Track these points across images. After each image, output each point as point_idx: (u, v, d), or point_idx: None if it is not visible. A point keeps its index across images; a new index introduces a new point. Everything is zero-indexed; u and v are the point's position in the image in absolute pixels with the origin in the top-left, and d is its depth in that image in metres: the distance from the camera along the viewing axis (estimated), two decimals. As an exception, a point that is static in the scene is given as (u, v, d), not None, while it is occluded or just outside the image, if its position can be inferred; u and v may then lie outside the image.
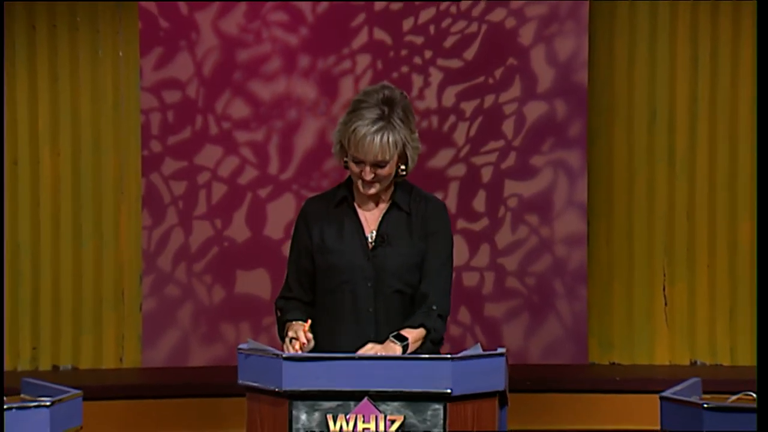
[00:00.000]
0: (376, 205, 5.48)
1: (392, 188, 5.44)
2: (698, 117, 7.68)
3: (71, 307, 7.70)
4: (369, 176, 5.32)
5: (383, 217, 5.49)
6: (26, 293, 7.63)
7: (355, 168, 5.33)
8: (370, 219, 5.50)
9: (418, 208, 5.51)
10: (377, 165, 5.30)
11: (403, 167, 5.37)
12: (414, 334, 5.39)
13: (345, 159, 5.34)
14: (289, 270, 5.57)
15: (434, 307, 5.51)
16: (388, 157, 5.30)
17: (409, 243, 5.49)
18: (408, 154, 5.36)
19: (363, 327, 5.44)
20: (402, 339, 5.33)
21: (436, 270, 5.53)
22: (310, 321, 5.36)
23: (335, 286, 5.45)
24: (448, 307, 5.56)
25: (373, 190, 5.37)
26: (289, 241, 5.64)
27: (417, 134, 5.38)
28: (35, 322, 7.65)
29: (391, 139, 5.29)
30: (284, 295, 5.56)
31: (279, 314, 5.50)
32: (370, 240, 5.48)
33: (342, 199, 5.49)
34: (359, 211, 5.49)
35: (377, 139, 5.27)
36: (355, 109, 5.32)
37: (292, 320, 5.42)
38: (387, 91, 5.36)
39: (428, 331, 5.45)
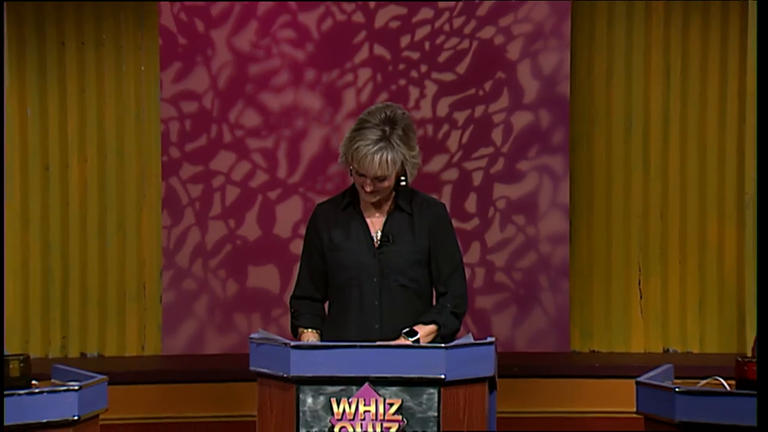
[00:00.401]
0: (380, 208, 5.51)
1: (394, 193, 5.47)
2: (670, 126, 7.68)
3: (97, 299, 7.71)
4: (369, 188, 5.36)
5: (387, 219, 5.52)
6: (56, 287, 7.63)
7: (358, 179, 5.37)
8: (375, 220, 5.53)
9: (421, 209, 5.54)
10: (377, 179, 5.34)
11: (402, 179, 5.40)
12: (425, 330, 5.43)
13: (350, 169, 5.38)
14: (301, 269, 5.60)
15: (448, 305, 5.54)
16: (387, 173, 5.34)
17: (412, 241, 5.52)
18: (407, 169, 5.39)
19: (368, 319, 5.47)
20: (413, 334, 5.37)
21: (451, 271, 5.57)
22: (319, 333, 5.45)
23: (344, 282, 5.48)
24: (464, 304, 5.58)
25: (373, 199, 5.42)
26: (297, 240, 5.66)
27: (417, 150, 5.40)
28: (64, 314, 7.66)
29: (389, 158, 5.32)
30: (296, 294, 5.60)
31: (293, 313, 5.53)
32: (375, 239, 5.50)
33: (348, 203, 5.52)
34: (365, 214, 5.51)
35: (377, 158, 5.31)
36: (360, 128, 5.35)
37: (304, 326, 5.47)
38: (389, 111, 5.38)
39: (439, 327, 5.48)
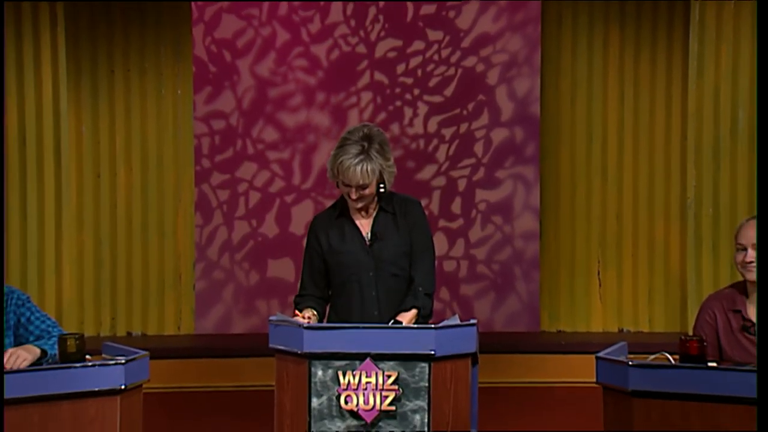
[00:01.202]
0: (367, 212, 5.51)
1: (377, 198, 5.48)
2: (624, 141, 7.70)
3: (140, 287, 7.72)
4: (355, 196, 5.37)
5: (374, 220, 5.52)
6: (106, 276, 7.65)
7: (344, 189, 5.38)
8: (364, 223, 5.52)
9: (400, 208, 5.55)
10: (360, 187, 5.35)
11: (382, 185, 5.42)
12: (408, 317, 5.43)
13: (337, 181, 5.40)
14: (303, 272, 5.58)
15: (420, 288, 5.55)
16: (368, 182, 5.35)
17: (397, 236, 5.52)
18: (385, 177, 5.41)
19: (368, 307, 5.47)
20: (398, 323, 5.38)
21: (420, 257, 5.56)
22: (315, 315, 5.44)
23: (345, 279, 5.47)
24: (433, 285, 5.58)
25: (359, 205, 5.42)
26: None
27: (392, 161, 5.41)
28: (113, 299, 7.67)
29: (369, 168, 5.33)
30: (300, 293, 5.58)
31: (296, 306, 5.53)
32: (367, 239, 5.51)
33: (340, 212, 5.53)
34: (354, 219, 5.52)
35: (359, 169, 5.32)
36: (342, 145, 5.37)
37: (303, 308, 5.47)
38: (366, 129, 5.40)
39: (418, 310, 5.49)
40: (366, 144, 5.36)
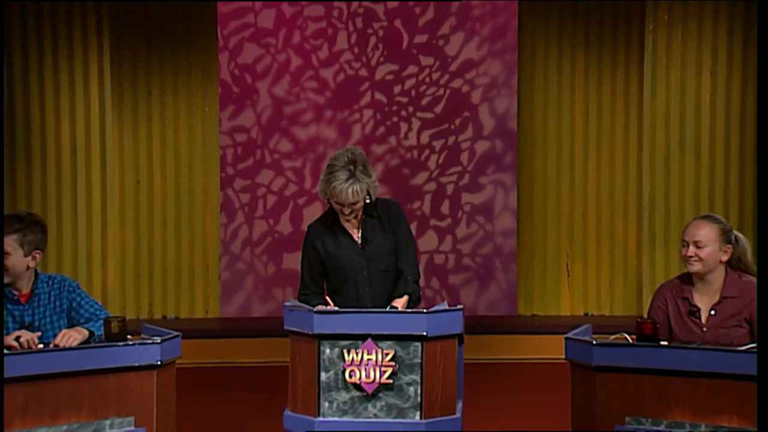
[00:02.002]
0: (356, 218, 5.52)
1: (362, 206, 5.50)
2: (589, 153, 7.70)
3: (174, 276, 7.72)
4: (347, 212, 5.38)
5: (363, 225, 5.52)
6: (144, 268, 7.65)
7: (337, 206, 5.39)
8: (354, 228, 5.53)
9: (383, 211, 5.55)
10: (352, 204, 5.36)
11: (368, 198, 5.43)
12: (402, 302, 5.43)
13: (328, 199, 5.42)
14: (303, 275, 5.57)
15: (409, 277, 5.55)
16: (358, 199, 5.36)
17: (384, 237, 5.52)
18: (370, 192, 5.41)
19: (363, 303, 5.48)
20: (394, 308, 5.38)
21: (405, 251, 5.56)
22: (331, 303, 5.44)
23: (342, 279, 5.47)
24: (418, 274, 5.59)
25: (351, 218, 5.45)
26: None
27: (374, 176, 5.42)
28: (151, 287, 7.68)
29: (358, 188, 5.33)
30: (303, 292, 5.55)
31: (303, 302, 5.51)
32: (358, 242, 5.51)
33: (332, 221, 5.53)
34: (345, 226, 5.52)
35: (350, 191, 5.32)
36: (331, 171, 5.36)
37: (315, 303, 5.46)
38: (350, 154, 5.40)
39: (410, 296, 5.49)
40: (352, 168, 5.36)
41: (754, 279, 5.33)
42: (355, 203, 5.38)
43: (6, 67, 7.15)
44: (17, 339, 4.96)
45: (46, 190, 7.27)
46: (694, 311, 5.37)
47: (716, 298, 5.35)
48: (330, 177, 5.39)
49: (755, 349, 4.93)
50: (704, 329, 5.36)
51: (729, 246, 5.34)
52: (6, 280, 5.15)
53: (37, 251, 5.21)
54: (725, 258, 5.34)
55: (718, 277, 5.34)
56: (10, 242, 5.10)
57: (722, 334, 5.32)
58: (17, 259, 5.12)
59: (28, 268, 5.20)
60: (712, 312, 5.35)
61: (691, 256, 5.29)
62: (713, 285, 5.35)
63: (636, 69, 7.50)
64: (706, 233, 5.29)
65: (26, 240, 5.12)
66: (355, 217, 5.52)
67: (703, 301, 5.35)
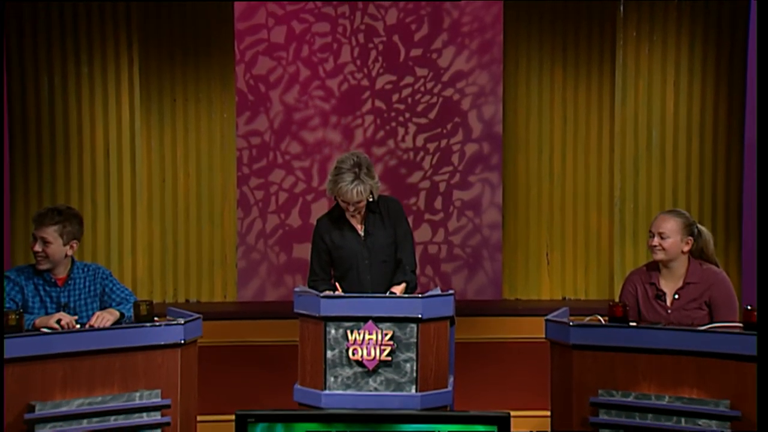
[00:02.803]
0: (360, 213, 5.53)
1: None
2: (566, 153, 7.68)
3: (196, 265, 7.71)
4: (352, 209, 5.42)
5: (366, 220, 5.54)
6: (170, 258, 7.63)
7: (343, 204, 5.43)
8: (357, 223, 5.54)
9: (384, 207, 5.58)
10: (356, 203, 5.39)
11: (370, 197, 5.45)
12: (400, 288, 5.47)
13: (335, 197, 5.43)
14: (312, 264, 5.62)
15: (407, 267, 5.56)
16: (362, 198, 5.39)
17: (384, 231, 5.55)
18: (373, 191, 5.44)
19: (364, 288, 5.52)
20: (393, 294, 5.40)
21: (403, 243, 5.61)
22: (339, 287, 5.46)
23: (346, 267, 5.51)
24: (415, 264, 5.64)
25: (355, 215, 5.47)
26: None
27: (377, 178, 5.48)
28: (175, 274, 7.66)
29: (362, 189, 5.36)
30: (313, 278, 5.60)
31: (312, 288, 5.51)
32: (361, 235, 5.52)
33: (338, 216, 5.55)
34: (351, 221, 5.54)
35: (354, 191, 5.35)
36: (338, 173, 5.40)
37: (325, 289, 5.47)
38: (355, 157, 5.43)
39: (407, 283, 5.51)
40: (357, 170, 5.39)
41: (714, 267, 5.36)
42: (359, 202, 5.41)
43: (48, 79, 7.17)
44: (58, 321, 4.99)
45: (83, 187, 7.27)
46: (660, 295, 5.39)
47: (680, 284, 5.37)
48: (337, 178, 5.41)
49: (715, 329, 4.94)
50: (669, 311, 5.38)
51: (690, 238, 5.37)
52: (46, 266, 5.20)
53: (75, 241, 5.25)
54: (687, 248, 5.36)
55: (681, 265, 5.37)
56: (51, 232, 5.15)
57: (685, 316, 5.34)
58: (57, 247, 5.16)
59: (66, 255, 5.24)
60: (676, 296, 5.37)
61: (656, 246, 5.33)
62: (677, 272, 5.38)
63: (608, 80, 7.50)
64: (670, 226, 5.31)
65: (65, 231, 5.17)
66: (359, 213, 5.54)
67: (668, 286, 5.38)
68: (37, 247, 5.11)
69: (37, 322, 4.99)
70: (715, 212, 7.30)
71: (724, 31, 7.23)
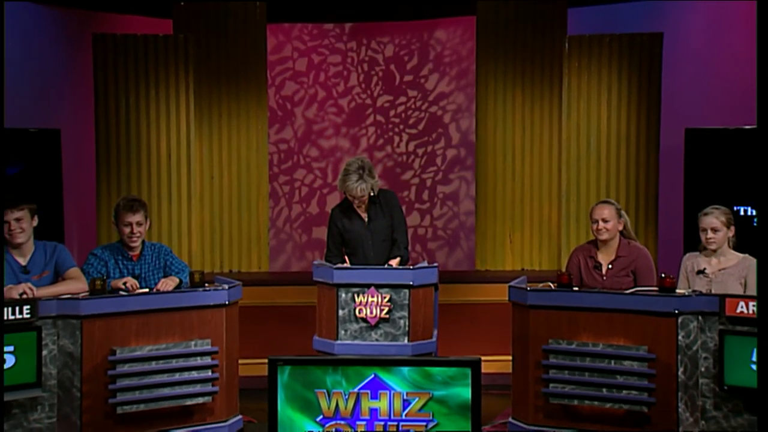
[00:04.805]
0: (364, 203, 5.53)
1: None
2: (525, 157, 7.60)
3: (237, 243, 7.67)
4: (357, 203, 5.42)
5: (369, 208, 5.53)
6: (217, 237, 7.59)
7: (350, 198, 5.41)
8: (362, 211, 5.54)
9: (383, 199, 5.58)
10: (360, 197, 5.38)
11: (372, 192, 5.44)
12: (395, 262, 5.47)
13: (344, 191, 5.42)
14: (328, 243, 5.62)
15: (401, 245, 5.56)
16: (365, 194, 5.37)
17: (383, 217, 5.55)
18: (374, 188, 5.43)
19: (368, 261, 5.56)
20: (390, 266, 5.41)
21: (398, 226, 5.61)
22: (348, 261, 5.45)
23: (355, 246, 5.52)
24: (407, 242, 5.64)
25: (359, 205, 5.46)
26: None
27: (377, 177, 5.48)
28: (221, 250, 7.61)
29: (365, 186, 5.36)
30: (328, 255, 5.61)
31: (329, 262, 5.50)
32: (365, 221, 5.52)
33: (347, 206, 5.54)
34: (357, 210, 5.53)
35: (358, 189, 5.34)
36: (346, 174, 5.40)
37: (337, 262, 5.46)
38: (360, 161, 5.43)
39: (401, 258, 5.51)
40: (361, 171, 5.39)
41: (638, 244, 5.40)
42: (362, 196, 5.41)
43: (125, 99, 7.15)
44: (125, 283, 5.03)
45: (150, 184, 7.28)
46: (598, 266, 5.40)
47: (613, 257, 5.39)
48: (345, 178, 5.41)
49: (638, 292, 4.95)
50: (604, 278, 5.39)
51: (622, 220, 5.39)
52: (135, 243, 5.23)
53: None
54: (620, 228, 5.38)
55: (614, 242, 5.39)
56: (140, 217, 5.21)
57: (616, 282, 5.35)
58: (145, 228, 5.23)
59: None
60: (610, 266, 5.38)
61: (601, 229, 5.32)
62: (611, 247, 5.39)
63: (556, 100, 7.49)
64: (608, 212, 5.33)
65: (147, 214, 5.27)
66: (363, 204, 5.54)
67: (604, 259, 5.39)
68: (135, 229, 5.12)
69: (112, 283, 5.05)
70: (637, 202, 7.31)
71: (643, 62, 7.26)
